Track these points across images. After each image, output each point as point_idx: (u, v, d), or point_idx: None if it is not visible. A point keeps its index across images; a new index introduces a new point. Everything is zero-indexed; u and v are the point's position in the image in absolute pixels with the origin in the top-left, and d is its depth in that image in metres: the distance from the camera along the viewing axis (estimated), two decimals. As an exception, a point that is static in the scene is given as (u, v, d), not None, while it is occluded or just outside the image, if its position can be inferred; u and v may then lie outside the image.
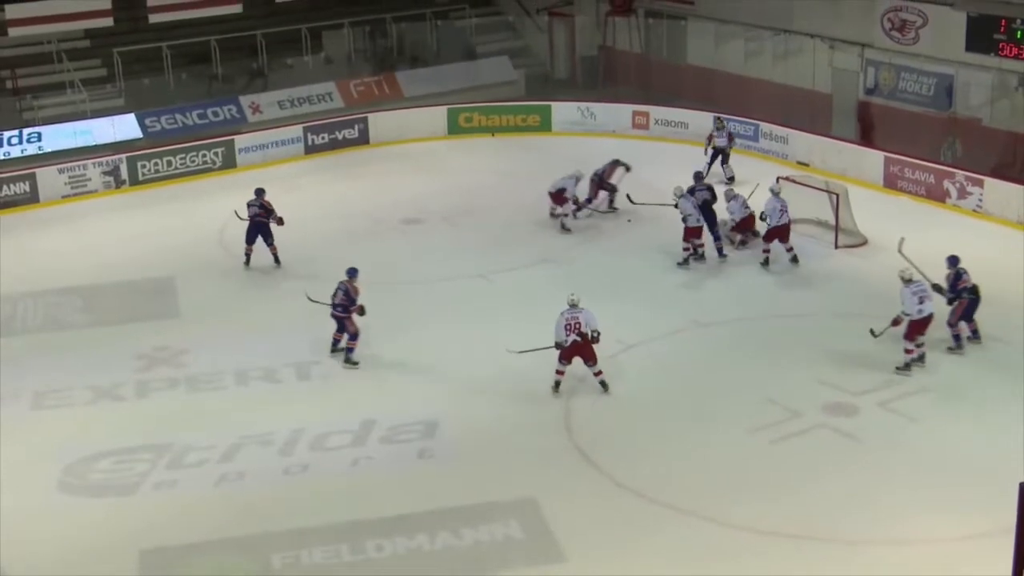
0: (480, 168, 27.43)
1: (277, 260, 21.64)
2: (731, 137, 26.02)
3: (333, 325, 17.88)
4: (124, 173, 26.80)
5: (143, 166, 27.02)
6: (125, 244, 23.13)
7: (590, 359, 16.67)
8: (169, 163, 27.23)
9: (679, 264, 21.04)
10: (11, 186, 25.56)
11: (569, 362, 16.72)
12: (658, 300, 19.92)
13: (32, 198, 25.75)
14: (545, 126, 30.04)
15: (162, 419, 16.55)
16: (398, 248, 22.73)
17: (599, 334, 16.57)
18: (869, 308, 19.21)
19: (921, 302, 16.88)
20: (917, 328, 16.93)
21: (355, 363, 17.94)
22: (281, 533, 13.84)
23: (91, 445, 15.82)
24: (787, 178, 23.02)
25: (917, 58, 26.40)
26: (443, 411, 16.41)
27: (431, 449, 15.60)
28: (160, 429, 16.19)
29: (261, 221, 21.49)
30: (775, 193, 21.14)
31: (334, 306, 17.90)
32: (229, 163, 27.71)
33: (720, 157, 25.75)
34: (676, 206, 21.10)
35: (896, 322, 17.08)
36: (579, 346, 16.52)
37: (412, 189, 25.93)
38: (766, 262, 21.04)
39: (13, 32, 28.14)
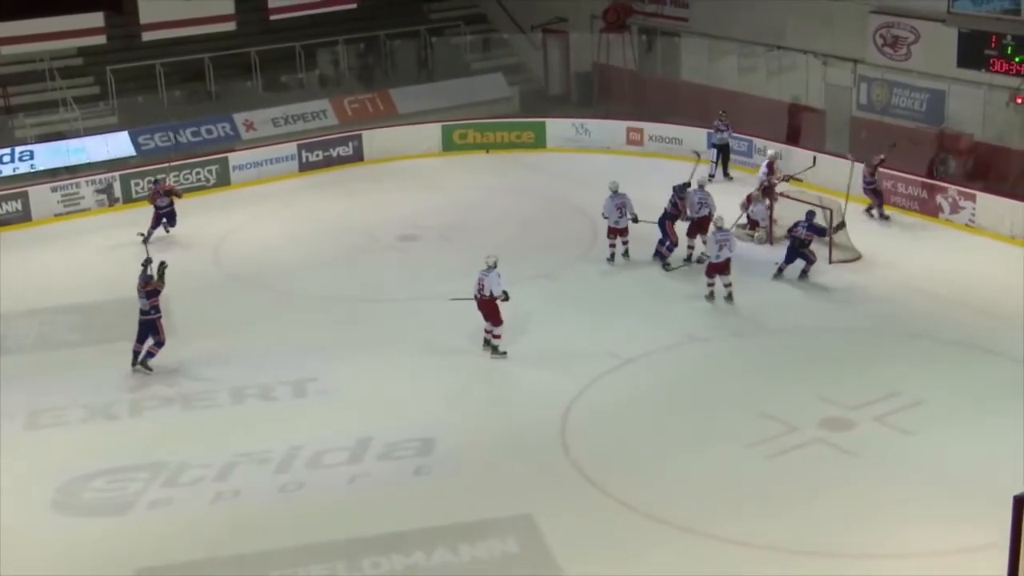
0: (475, 185, 27.43)
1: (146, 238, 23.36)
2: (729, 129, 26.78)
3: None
4: (117, 191, 26.77)
5: (136, 184, 26.99)
6: (119, 262, 23.02)
7: (489, 318, 18.19)
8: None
9: (608, 260, 21.96)
10: (3, 204, 25.52)
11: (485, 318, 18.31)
12: (655, 315, 19.91)
13: (24, 216, 25.72)
14: (540, 143, 30.08)
15: (157, 437, 16.50)
16: (394, 265, 22.72)
17: (502, 296, 18.03)
18: (864, 322, 19.31)
19: (720, 248, 19.72)
20: (715, 268, 19.83)
21: (150, 369, 18.13)
22: (277, 551, 13.78)
23: (85, 464, 15.77)
24: (782, 194, 23.09)
25: (909, 74, 26.48)
26: (440, 428, 16.36)
27: (428, 466, 15.55)
28: (155, 447, 16.14)
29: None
30: (701, 186, 21.88)
31: (143, 312, 18.06)
32: (223, 181, 27.69)
33: (722, 154, 26.55)
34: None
35: (699, 261, 20.77)
36: (481, 303, 18.10)
37: (407, 206, 25.93)
38: (689, 258, 21.70)
39: (5, 50, 28.03)
